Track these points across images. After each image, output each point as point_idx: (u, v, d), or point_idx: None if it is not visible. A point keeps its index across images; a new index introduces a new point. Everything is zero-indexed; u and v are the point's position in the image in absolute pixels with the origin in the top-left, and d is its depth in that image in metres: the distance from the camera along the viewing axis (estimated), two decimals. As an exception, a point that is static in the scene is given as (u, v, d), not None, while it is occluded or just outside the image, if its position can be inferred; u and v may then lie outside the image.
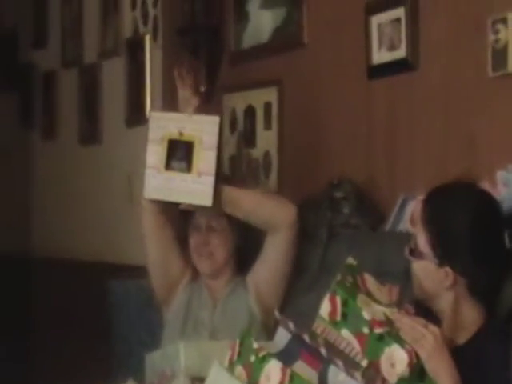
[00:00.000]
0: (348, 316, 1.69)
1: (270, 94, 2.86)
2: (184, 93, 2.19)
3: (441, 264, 1.71)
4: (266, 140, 2.89)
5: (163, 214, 2.28)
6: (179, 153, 2.13)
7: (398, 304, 1.75)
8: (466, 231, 1.70)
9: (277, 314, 1.83)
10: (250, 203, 2.20)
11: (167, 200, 2.17)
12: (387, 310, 1.70)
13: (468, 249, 1.70)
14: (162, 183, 2.15)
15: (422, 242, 1.73)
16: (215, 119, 2.12)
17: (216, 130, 2.11)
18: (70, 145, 3.96)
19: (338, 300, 1.70)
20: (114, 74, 3.66)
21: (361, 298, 1.71)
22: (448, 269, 1.70)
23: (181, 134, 2.13)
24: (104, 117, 3.74)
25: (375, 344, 1.64)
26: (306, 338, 1.72)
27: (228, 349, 1.78)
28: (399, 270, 1.96)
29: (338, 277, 1.75)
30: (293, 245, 2.25)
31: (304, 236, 2.29)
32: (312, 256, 2.31)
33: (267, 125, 2.88)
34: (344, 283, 1.73)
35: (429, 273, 1.73)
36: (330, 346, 1.71)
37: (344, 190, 2.41)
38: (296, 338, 1.74)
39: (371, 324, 1.66)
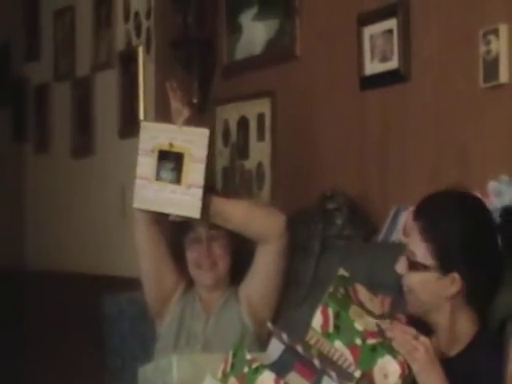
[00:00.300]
0: (340, 328, 1.69)
1: (264, 106, 2.87)
2: (176, 104, 2.19)
3: (446, 272, 1.68)
4: (259, 151, 2.89)
5: (156, 226, 2.28)
6: (169, 164, 2.13)
7: (390, 315, 1.75)
8: (465, 235, 1.69)
9: (270, 325, 1.83)
10: (239, 214, 2.19)
11: (156, 211, 2.17)
12: (379, 321, 1.70)
13: (470, 252, 1.68)
14: (151, 194, 2.15)
15: (421, 253, 1.70)
16: (205, 132, 2.13)
17: (205, 142, 2.11)
18: (63, 157, 3.96)
19: (330, 312, 1.70)
20: (106, 86, 3.66)
21: (353, 310, 1.71)
22: (455, 274, 1.68)
23: (171, 145, 2.14)
24: (97, 129, 3.74)
25: (368, 355, 1.65)
26: (300, 349, 1.72)
27: (221, 361, 1.78)
28: (392, 280, 1.94)
29: (330, 289, 1.75)
30: (284, 255, 2.24)
31: (296, 248, 2.28)
32: (305, 268, 2.31)
33: (260, 136, 2.89)
34: (336, 295, 1.73)
35: (428, 284, 1.70)
36: (323, 357, 1.71)
37: (337, 201, 2.41)
38: (289, 350, 1.74)
39: (364, 335, 1.67)
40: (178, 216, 2.14)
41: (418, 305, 1.74)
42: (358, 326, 1.67)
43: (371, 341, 1.66)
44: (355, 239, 2.35)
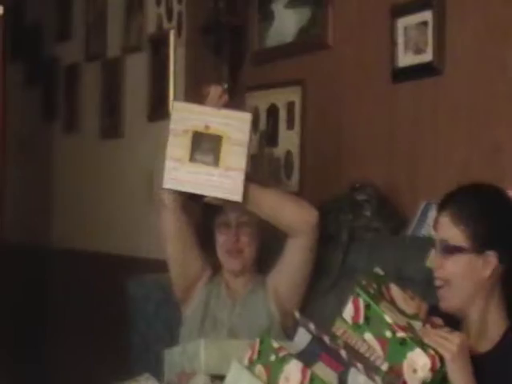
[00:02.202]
0: (370, 320, 1.67)
1: (294, 94, 2.85)
2: (215, 89, 2.15)
3: (480, 251, 1.67)
4: (288, 140, 2.88)
5: (184, 211, 2.26)
6: (204, 146, 2.10)
7: (425, 321, 1.72)
8: (496, 214, 1.69)
9: (297, 314, 1.82)
10: (272, 203, 2.18)
11: (190, 192, 2.14)
12: (411, 322, 1.69)
13: (502, 232, 1.68)
14: (184, 175, 2.11)
15: (454, 237, 1.69)
16: (247, 116, 2.11)
17: (248, 126, 2.10)
18: (92, 138, 3.96)
19: (361, 303, 1.69)
20: (136, 68, 3.65)
21: (384, 305, 1.70)
22: (490, 252, 1.67)
23: (207, 127, 2.11)
24: (126, 111, 3.73)
25: (397, 348, 1.63)
26: (327, 339, 1.71)
27: (247, 348, 1.78)
28: (420, 275, 1.96)
29: (363, 281, 1.73)
30: (314, 249, 2.23)
31: (325, 237, 2.27)
32: (332, 258, 2.30)
33: (290, 124, 2.88)
34: (368, 288, 1.71)
35: (464, 268, 1.68)
36: (350, 348, 1.70)
37: (366, 193, 2.39)
38: (316, 340, 1.73)
39: (393, 328, 1.65)
40: (215, 198, 2.12)
41: (455, 296, 1.71)
42: (388, 319, 1.66)
43: (401, 334, 1.64)
44: (383, 232, 2.33)
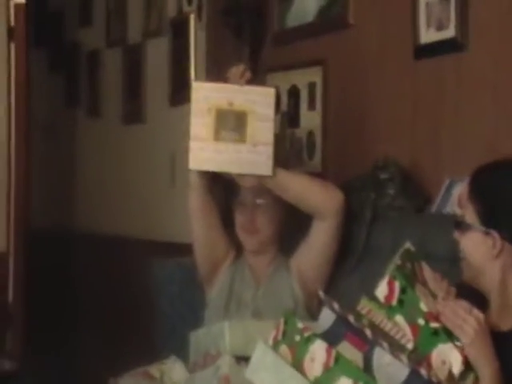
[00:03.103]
0: (405, 303, 1.65)
1: (315, 74, 2.83)
2: (237, 68, 2.12)
3: (488, 230, 1.66)
4: (310, 120, 2.86)
5: (210, 193, 2.26)
6: (229, 123, 2.08)
7: None
8: (508, 194, 1.66)
9: (321, 294, 1.80)
10: (298, 187, 2.16)
11: (219, 171, 2.12)
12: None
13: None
14: (210, 154, 2.08)
15: (468, 214, 1.69)
16: (270, 91, 2.09)
17: (272, 101, 2.07)
18: (114, 123, 3.97)
19: (397, 285, 1.67)
20: (157, 53, 3.64)
21: (418, 288, 1.67)
22: (495, 233, 1.66)
23: (230, 104, 2.08)
24: (147, 96, 3.73)
25: (429, 337, 1.61)
26: (351, 318, 1.69)
27: (272, 328, 1.76)
28: (444, 253, 1.94)
29: (398, 261, 1.70)
30: (339, 231, 2.22)
31: (348, 217, 2.26)
32: (356, 237, 2.29)
33: (311, 105, 2.85)
34: (403, 269, 1.69)
35: (476, 244, 1.69)
36: (375, 327, 1.68)
37: (389, 171, 2.37)
38: (341, 319, 1.71)
39: (427, 316, 1.63)
40: (241, 176, 2.10)
41: (469, 270, 1.72)
42: (423, 306, 1.63)
43: (434, 324, 1.62)
44: (407, 210, 2.31)
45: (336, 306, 1.72)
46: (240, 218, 2.29)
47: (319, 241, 2.22)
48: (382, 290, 1.68)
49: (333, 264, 2.26)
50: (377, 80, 2.62)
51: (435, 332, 1.61)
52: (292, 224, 2.32)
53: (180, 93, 3.39)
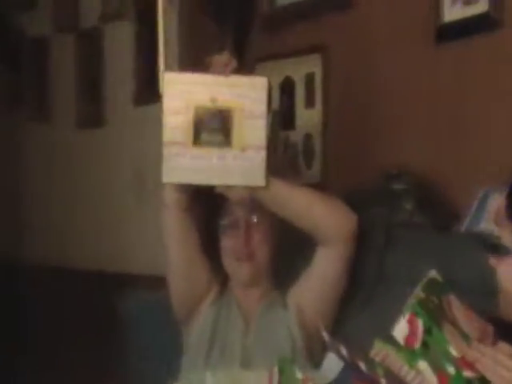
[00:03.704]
0: (430, 347, 1.64)
1: (313, 64, 2.86)
2: (220, 56, 2.13)
3: None
4: (308, 120, 2.88)
5: (189, 212, 2.25)
6: (212, 123, 2.07)
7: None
8: None
9: (325, 336, 1.81)
10: (300, 203, 2.15)
11: (200, 183, 2.11)
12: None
13: None
14: (188, 162, 2.07)
15: (507, 235, 1.68)
16: (262, 81, 2.09)
17: (264, 93, 2.07)
18: (66, 128, 3.98)
19: (420, 324, 1.65)
20: (118, 41, 3.67)
21: (447, 328, 1.67)
22: None
23: (213, 99, 2.08)
24: (107, 93, 3.75)
25: None
26: (363, 366, 1.70)
27: (265, 379, 1.77)
28: (477, 283, 1.95)
29: (420, 294, 1.70)
30: (350, 261, 2.21)
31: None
32: (366, 264, 2.29)
33: (309, 102, 2.88)
34: (428, 304, 1.68)
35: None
36: (392, 377, 1.68)
37: (404, 181, 2.40)
38: (349, 367, 1.72)
39: (459, 363, 1.62)
40: (229, 188, 2.09)
41: (509, 303, 1.71)
42: (453, 351, 1.63)
43: (468, 373, 1.61)
44: (428, 228, 2.34)
45: (343, 350, 1.72)
46: (229, 242, 2.28)
47: (326, 272, 2.21)
48: (401, 330, 1.67)
49: (341, 299, 2.25)
50: (388, 70, 2.64)
51: (469, 383, 1.62)
52: (289, 248, 2.32)
53: (147, 89, 3.41)
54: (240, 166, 2.07)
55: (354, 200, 2.30)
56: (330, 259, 2.20)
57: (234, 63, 2.10)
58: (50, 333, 3.95)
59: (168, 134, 2.09)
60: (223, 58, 2.11)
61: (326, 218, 2.17)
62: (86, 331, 3.65)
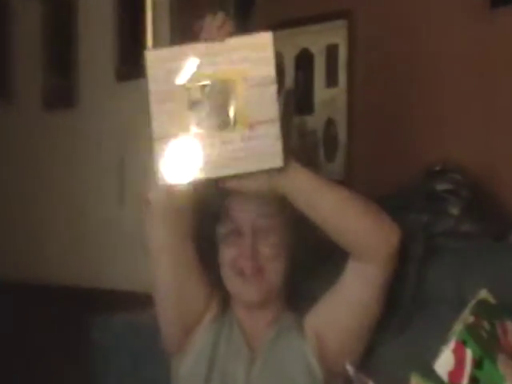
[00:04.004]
0: (481, 383, 1.65)
1: (336, 34, 2.88)
2: (212, 20, 2.12)
3: None
4: (329, 102, 2.90)
5: (180, 215, 2.25)
6: (212, 102, 2.06)
7: None
8: None
9: (350, 369, 1.81)
10: (335, 204, 2.13)
11: (203, 179, 2.08)
12: None
13: None
14: (187, 157, 2.05)
15: None
16: (265, 36, 2.04)
17: (269, 52, 2.03)
18: (31, 109, 4.00)
19: (469, 355, 1.68)
20: (96, 3, 3.67)
21: (502, 360, 1.68)
22: None
23: (208, 73, 2.06)
24: (82, 67, 3.77)
25: None
26: (396, 407, 1.71)
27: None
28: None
29: (469, 318, 1.72)
30: (388, 283, 2.19)
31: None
32: (402, 282, 2.28)
33: (331, 80, 2.90)
34: (478, 331, 1.70)
35: None
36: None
37: (450, 180, 2.41)
38: (380, 407, 1.75)
39: None
40: (235, 181, 2.07)
41: None
42: None
43: None
44: (479, 238, 2.33)
45: (372, 386, 1.75)
46: (231, 253, 2.27)
47: (358, 295, 2.19)
48: (444, 362, 1.70)
49: (373, 328, 2.24)
50: (430, 41, 2.64)
51: None
52: (306, 261, 2.31)
53: (131, 61, 3.43)
54: (249, 147, 2.04)
55: (387, 204, 2.28)
56: (365, 278, 2.18)
57: (229, 26, 2.08)
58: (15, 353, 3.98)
59: (157, 128, 2.08)
60: (216, 19, 2.09)
61: (367, 228, 2.14)
62: (51, 362, 3.68)
